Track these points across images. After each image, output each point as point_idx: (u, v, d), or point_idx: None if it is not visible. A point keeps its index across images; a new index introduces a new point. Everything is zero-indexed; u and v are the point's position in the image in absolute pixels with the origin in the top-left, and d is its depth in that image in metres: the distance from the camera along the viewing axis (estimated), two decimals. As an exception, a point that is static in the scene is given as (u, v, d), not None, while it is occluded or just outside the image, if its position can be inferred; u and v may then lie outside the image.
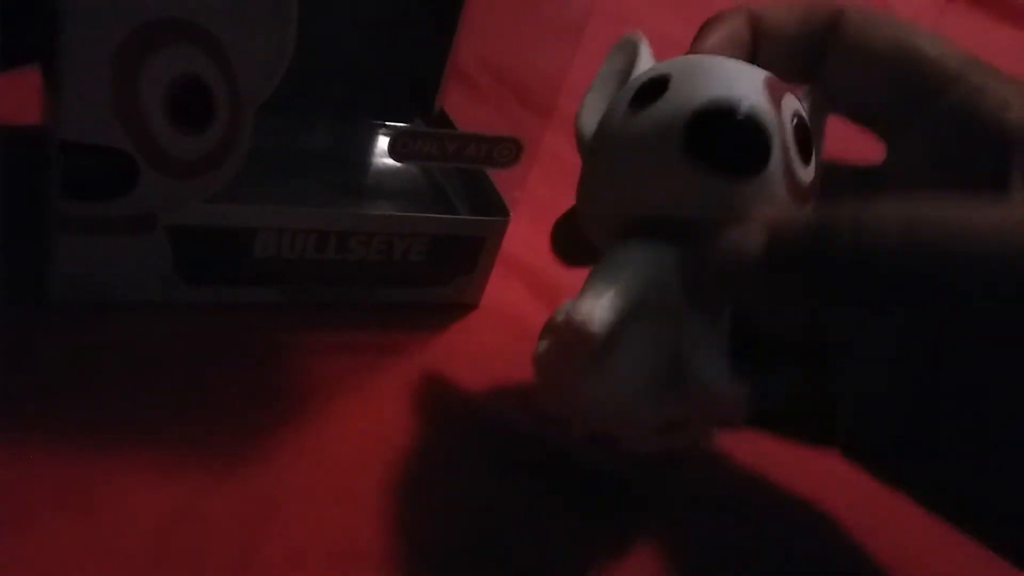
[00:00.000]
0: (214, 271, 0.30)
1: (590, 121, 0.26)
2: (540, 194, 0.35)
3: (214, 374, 0.28)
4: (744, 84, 0.22)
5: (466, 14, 0.35)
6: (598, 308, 0.22)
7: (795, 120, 0.23)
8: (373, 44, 0.35)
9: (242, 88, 0.26)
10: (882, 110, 0.28)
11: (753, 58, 0.27)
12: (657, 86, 0.23)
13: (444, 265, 0.33)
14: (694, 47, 0.27)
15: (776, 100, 0.23)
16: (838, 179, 0.26)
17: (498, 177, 0.34)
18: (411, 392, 0.30)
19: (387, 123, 0.37)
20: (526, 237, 0.36)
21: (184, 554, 0.23)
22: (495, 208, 0.33)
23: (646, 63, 0.26)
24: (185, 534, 0.23)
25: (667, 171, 0.23)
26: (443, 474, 0.28)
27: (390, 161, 0.30)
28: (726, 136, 0.22)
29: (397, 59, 0.36)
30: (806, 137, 0.23)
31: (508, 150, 0.31)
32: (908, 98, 0.27)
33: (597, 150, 0.25)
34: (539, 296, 0.36)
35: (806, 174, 0.23)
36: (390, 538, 0.25)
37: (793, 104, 0.23)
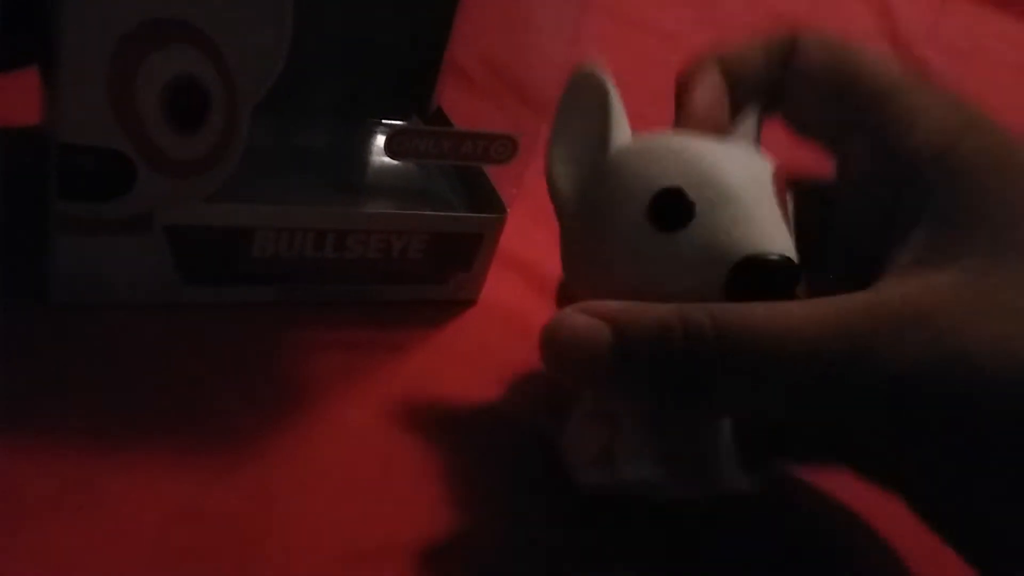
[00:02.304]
0: (212, 270, 0.30)
1: (565, 179, 0.27)
2: (538, 189, 0.35)
3: (213, 373, 0.28)
4: (773, 226, 0.24)
5: (462, 10, 0.35)
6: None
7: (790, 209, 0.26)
8: (369, 42, 0.35)
9: (238, 87, 0.26)
10: (828, 130, 0.29)
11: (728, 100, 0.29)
12: (678, 205, 0.24)
13: (442, 262, 0.33)
14: (681, 112, 0.28)
15: (783, 200, 0.25)
16: (802, 199, 0.27)
17: (495, 173, 0.34)
18: (410, 389, 0.30)
19: (384, 121, 0.37)
20: (524, 233, 0.36)
21: (183, 552, 0.23)
22: (492, 205, 0.33)
23: (620, 117, 0.27)
24: (184, 532, 0.24)
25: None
26: (442, 471, 0.28)
27: (387, 159, 0.30)
28: (765, 288, 0.24)
29: (393, 57, 0.36)
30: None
31: (504, 147, 0.31)
32: (846, 119, 0.28)
33: (587, 225, 0.27)
34: (537, 292, 0.36)
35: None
36: (389, 535, 0.25)
37: (790, 196, 0.26)
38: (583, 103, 0.27)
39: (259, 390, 0.28)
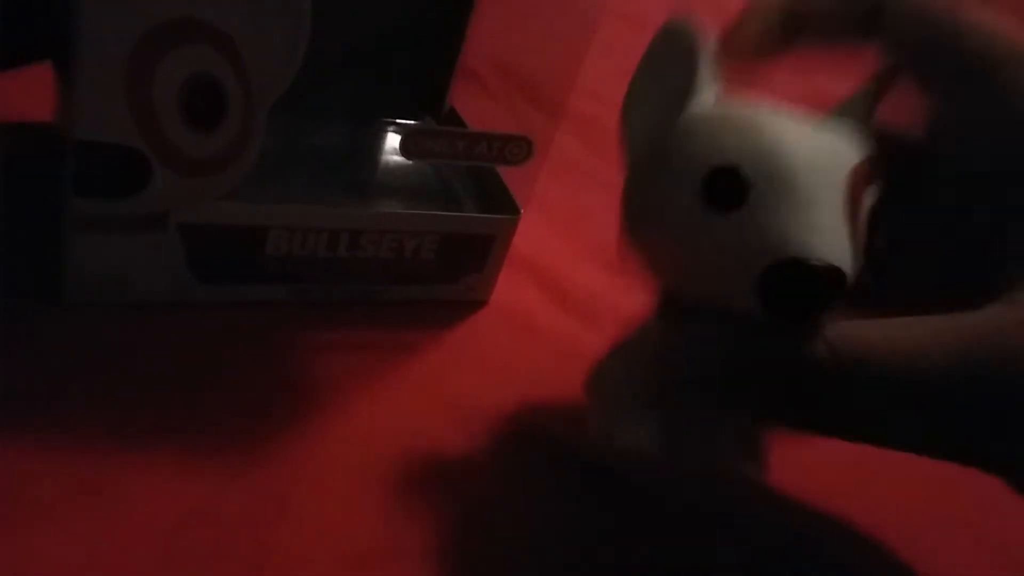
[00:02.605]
0: (226, 269, 0.30)
1: (635, 135, 0.26)
2: (550, 192, 0.35)
3: (226, 372, 0.28)
4: (829, 226, 0.22)
5: (476, 13, 0.35)
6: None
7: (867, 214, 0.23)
8: (384, 43, 0.35)
9: (255, 87, 0.26)
10: (937, 79, 0.26)
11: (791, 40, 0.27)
12: (731, 186, 0.22)
13: (455, 263, 0.33)
14: (720, 40, 0.26)
15: (857, 198, 0.23)
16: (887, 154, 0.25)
17: (508, 175, 0.34)
18: (422, 390, 0.30)
19: (398, 121, 0.37)
20: (536, 235, 0.36)
21: (196, 553, 0.23)
22: (505, 206, 0.33)
23: (705, 77, 0.25)
24: (197, 533, 0.24)
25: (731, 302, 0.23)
26: (455, 472, 0.28)
27: (401, 159, 0.30)
28: (801, 297, 0.22)
29: (408, 58, 0.36)
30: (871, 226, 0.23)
31: (519, 148, 0.31)
32: (960, 74, 0.25)
33: (644, 191, 0.25)
34: (548, 294, 0.36)
35: (862, 238, 0.23)
36: (401, 537, 0.25)
37: (871, 193, 0.23)
38: (667, 58, 0.25)
39: (272, 390, 0.28)
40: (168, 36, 0.24)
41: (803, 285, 0.22)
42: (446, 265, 0.33)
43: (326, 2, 0.26)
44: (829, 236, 0.22)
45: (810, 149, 0.22)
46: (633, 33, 0.61)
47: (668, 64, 0.25)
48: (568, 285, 0.36)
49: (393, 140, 0.37)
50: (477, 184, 0.35)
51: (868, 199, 0.23)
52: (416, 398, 0.30)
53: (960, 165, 0.25)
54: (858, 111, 0.25)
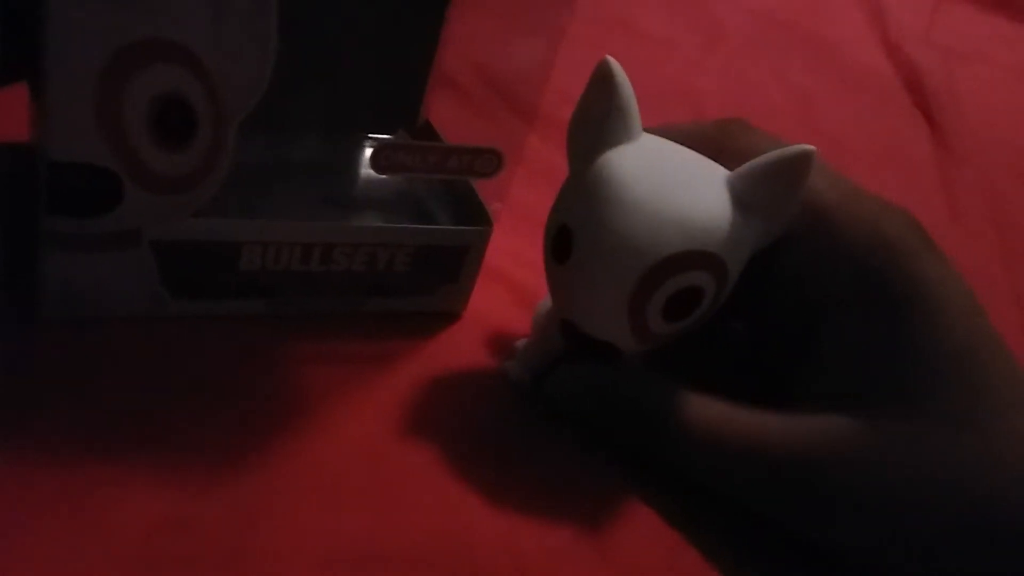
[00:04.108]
0: (200, 285, 0.30)
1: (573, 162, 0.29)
2: (524, 199, 0.35)
3: (201, 385, 0.29)
4: (605, 308, 0.28)
5: (450, 24, 0.36)
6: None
7: (671, 297, 0.27)
8: (356, 58, 0.35)
9: (225, 105, 0.26)
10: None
11: None
12: (565, 243, 0.28)
13: (428, 275, 0.33)
14: None
15: (653, 284, 0.26)
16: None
17: (483, 184, 0.34)
18: (397, 400, 0.31)
19: (372, 135, 0.37)
20: (511, 244, 0.36)
21: (173, 560, 0.23)
22: (478, 217, 0.34)
23: (617, 126, 0.28)
24: (170, 541, 0.24)
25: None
26: (432, 481, 0.28)
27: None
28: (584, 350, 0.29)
29: (380, 72, 0.36)
30: (677, 308, 0.27)
31: (489, 161, 0.31)
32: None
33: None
34: (522, 304, 0.36)
35: (662, 327, 0.28)
36: (375, 543, 0.26)
37: (685, 280, 0.27)
38: (595, 99, 0.28)
39: (248, 402, 0.29)
40: (136, 56, 0.25)
41: (582, 343, 0.29)
42: (420, 277, 0.33)
43: (297, 17, 0.26)
44: (601, 315, 0.28)
45: (632, 228, 0.26)
46: (608, 33, 0.61)
47: (595, 103, 0.28)
48: (542, 294, 0.36)
49: (368, 154, 0.38)
50: (451, 196, 0.36)
51: (676, 285, 0.27)
52: (392, 409, 0.30)
53: (797, 288, 0.29)
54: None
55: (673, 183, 0.27)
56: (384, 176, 0.31)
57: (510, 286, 0.37)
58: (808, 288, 0.29)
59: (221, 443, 0.27)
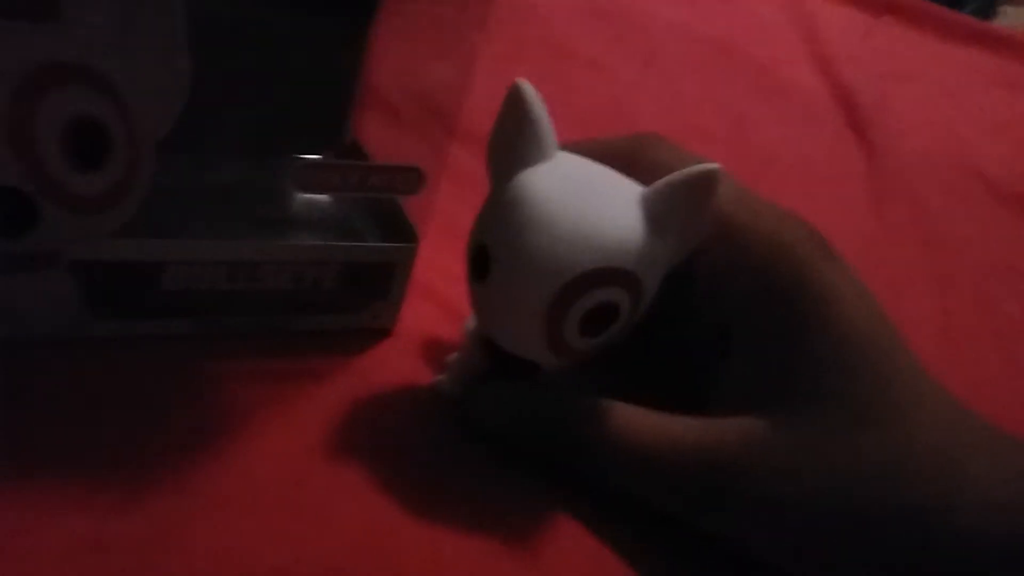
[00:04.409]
0: (123, 304, 0.30)
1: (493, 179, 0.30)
2: (453, 214, 0.35)
3: (125, 405, 0.29)
4: (522, 322, 0.28)
5: (374, 43, 0.36)
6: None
7: (587, 313, 0.28)
8: (281, 78, 0.36)
9: (140, 125, 0.27)
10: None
11: None
12: (483, 261, 0.28)
13: (356, 292, 0.34)
14: None
15: (568, 301, 0.27)
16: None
17: (410, 199, 0.34)
18: (325, 417, 0.31)
19: (298, 156, 0.38)
20: (440, 259, 0.36)
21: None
22: (405, 234, 0.34)
23: (530, 146, 0.29)
24: (87, 563, 0.24)
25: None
26: (361, 497, 0.28)
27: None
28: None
29: (305, 91, 0.36)
30: (593, 324, 0.28)
31: (410, 179, 0.31)
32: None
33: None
34: (453, 319, 0.37)
35: (579, 342, 0.28)
36: (299, 559, 0.26)
37: (600, 295, 0.27)
38: (510, 119, 0.29)
39: (171, 420, 0.29)
40: (47, 79, 0.25)
41: (504, 358, 0.30)
42: (348, 294, 0.34)
43: (221, 39, 0.26)
44: (519, 332, 0.29)
45: (546, 247, 0.27)
46: (549, 58, 0.62)
47: (509, 124, 0.29)
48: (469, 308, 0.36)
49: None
50: (378, 213, 0.36)
51: (592, 301, 0.27)
52: (319, 425, 0.30)
53: (707, 300, 0.30)
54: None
55: (586, 201, 0.27)
56: (310, 196, 0.32)
57: (440, 301, 0.38)
58: (717, 299, 0.30)
59: (142, 461, 0.27)
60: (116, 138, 0.26)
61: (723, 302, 0.29)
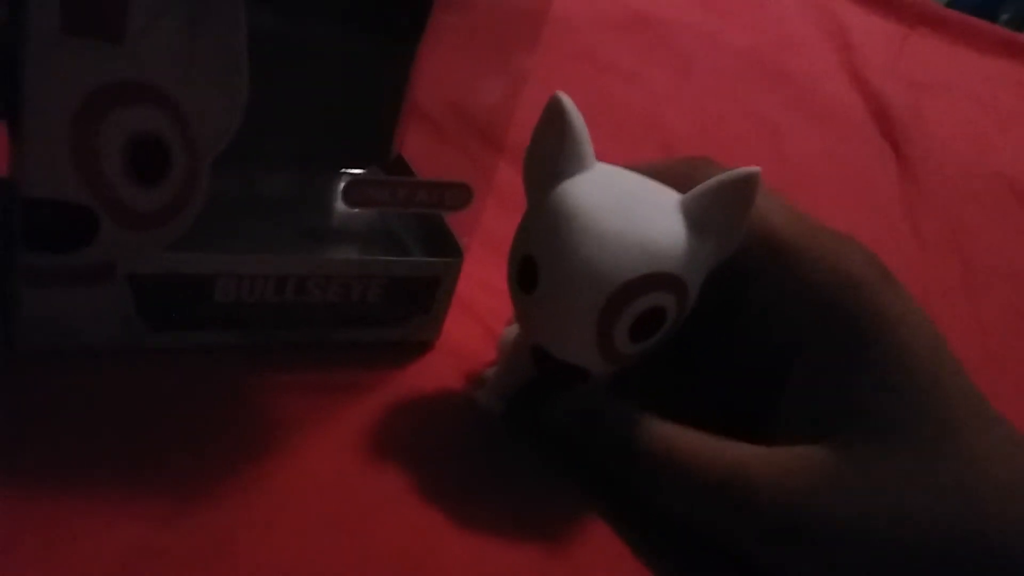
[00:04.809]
0: (175, 316, 0.31)
1: (530, 193, 0.30)
2: (496, 230, 0.36)
3: (176, 415, 0.29)
4: (573, 332, 0.29)
5: (422, 58, 0.37)
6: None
7: (636, 319, 0.28)
8: (329, 95, 0.36)
9: (198, 142, 0.27)
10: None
11: None
12: (530, 273, 0.29)
13: (400, 306, 0.34)
14: None
15: (618, 308, 0.27)
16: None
17: (453, 217, 0.35)
18: (369, 429, 0.31)
19: (346, 170, 0.38)
20: (483, 274, 0.37)
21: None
22: (449, 249, 0.34)
23: (571, 157, 0.29)
24: (145, 570, 0.24)
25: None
26: (398, 508, 0.29)
27: (348, 206, 0.31)
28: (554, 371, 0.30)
29: (352, 107, 0.37)
30: (643, 328, 0.28)
31: (458, 195, 0.32)
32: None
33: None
34: (493, 331, 0.37)
35: (629, 347, 0.29)
36: (345, 572, 0.26)
37: (648, 301, 0.28)
38: (547, 131, 0.29)
39: (221, 432, 0.29)
40: (110, 97, 0.25)
41: (553, 367, 0.30)
42: (393, 308, 0.34)
43: (272, 56, 0.27)
44: (572, 340, 0.29)
45: (595, 255, 0.27)
46: (581, 69, 0.62)
47: (548, 136, 0.29)
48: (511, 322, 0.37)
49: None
50: (422, 228, 0.36)
51: (641, 306, 0.28)
52: (364, 437, 0.31)
53: (763, 326, 0.30)
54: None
55: (630, 209, 0.28)
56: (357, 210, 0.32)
57: (481, 315, 0.38)
58: (775, 326, 0.30)
59: (193, 473, 0.27)
60: (175, 155, 0.27)
61: (782, 328, 0.29)
